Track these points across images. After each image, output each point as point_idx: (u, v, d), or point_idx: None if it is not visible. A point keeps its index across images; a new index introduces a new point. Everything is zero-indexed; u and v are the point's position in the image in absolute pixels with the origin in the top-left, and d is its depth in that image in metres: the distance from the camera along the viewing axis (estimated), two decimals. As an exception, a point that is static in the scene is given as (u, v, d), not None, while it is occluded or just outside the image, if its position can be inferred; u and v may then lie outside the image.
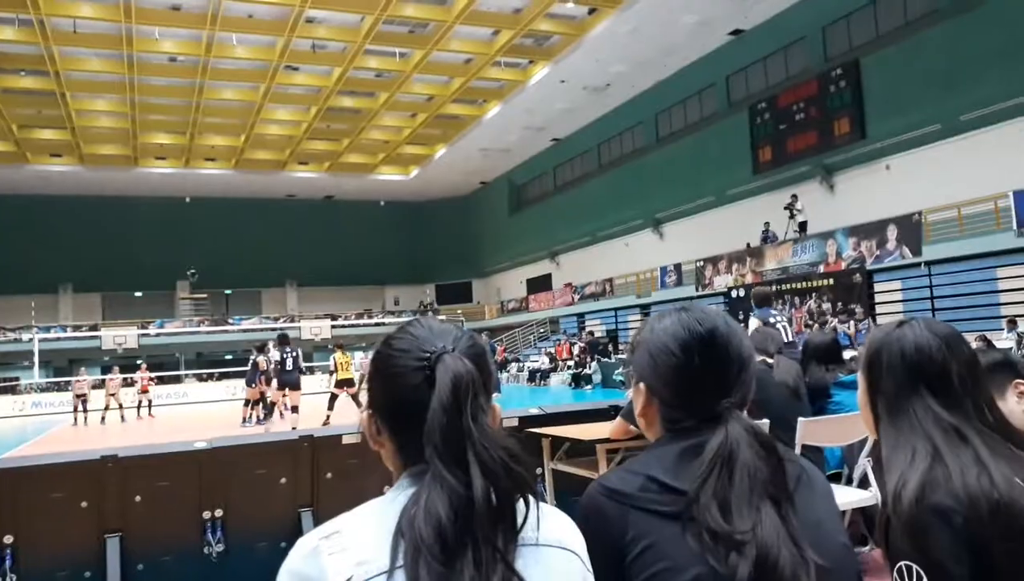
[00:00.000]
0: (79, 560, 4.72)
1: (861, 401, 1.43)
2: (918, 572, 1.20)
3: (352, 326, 36.21)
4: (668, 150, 26.76)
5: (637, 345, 1.33)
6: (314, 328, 34.45)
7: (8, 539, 4.55)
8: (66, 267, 36.01)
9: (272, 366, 15.18)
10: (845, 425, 4.05)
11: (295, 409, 14.16)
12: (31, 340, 29.68)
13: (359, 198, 40.05)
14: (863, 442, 4.08)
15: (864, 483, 4.04)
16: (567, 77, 25.13)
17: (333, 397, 15.08)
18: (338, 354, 15.41)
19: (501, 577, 0.90)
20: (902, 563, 1.23)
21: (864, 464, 4.02)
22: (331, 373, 16.03)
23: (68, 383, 22.58)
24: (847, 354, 5.57)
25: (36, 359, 28.79)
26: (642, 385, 1.29)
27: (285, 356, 14.48)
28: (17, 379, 29.55)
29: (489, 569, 0.90)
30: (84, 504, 4.78)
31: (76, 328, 34.18)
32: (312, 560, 0.93)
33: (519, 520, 0.96)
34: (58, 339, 32.18)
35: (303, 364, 14.75)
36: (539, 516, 0.99)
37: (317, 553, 0.93)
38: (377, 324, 37.13)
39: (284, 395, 14.78)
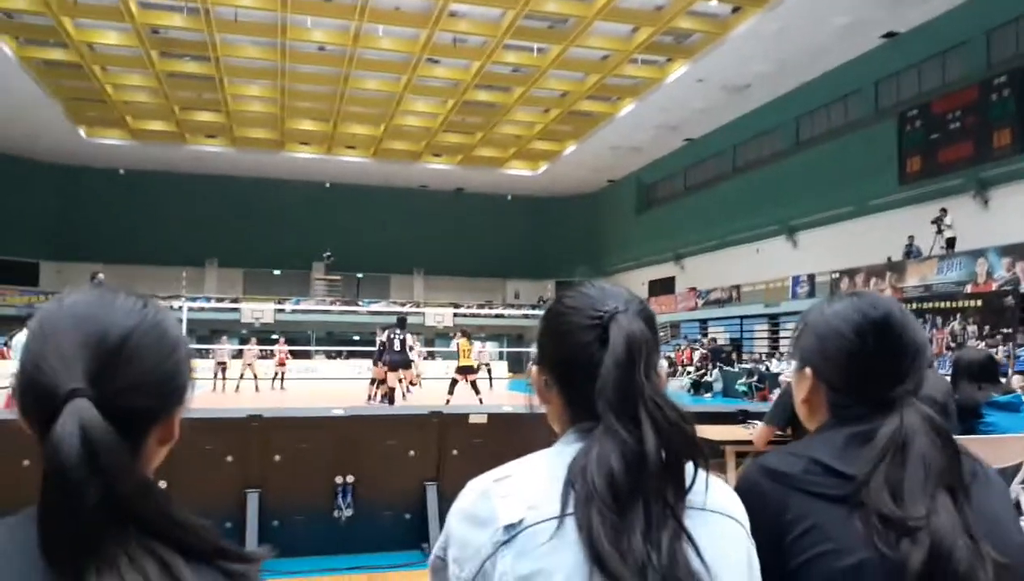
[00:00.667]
0: (222, 511, 5.04)
1: None
2: None
3: (473, 315, 36.83)
4: (808, 155, 25.74)
5: (804, 328, 1.31)
6: (437, 315, 35.31)
7: (162, 484, 4.93)
8: (213, 242, 38.46)
9: (381, 345, 15.56)
10: (998, 447, 3.82)
11: (412, 384, 14.46)
12: (180, 309, 31.74)
13: (487, 191, 40.66)
14: (1017, 467, 3.83)
15: (1017, 509, 3.80)
16: (705, 76, 24.60)
17: (454, 382, 15.43)
18: (461, 340, 15.72)
19: (671, 533, 0.91)
20: None
21: (1018, 490, 3.78)
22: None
23: (210, 351, 24.02)
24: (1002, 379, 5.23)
25: (184, 326, 30.74)
26: (808, 370, 1.27)
27: (393, 337, 14.88)
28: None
29: (660, 524, 0.91)
30: (230, 459, 5.12)
31: (219, 300, 36.37)
32: (484, 501, 0.96)
33: (687, 483, 0.96)
34: (203, 310, 34.31)
35: (421, 348, 15.07)
36: (707, 483, 1.00)
37: (488, 495, 0.97)
38: (497, 315, 37.65)
39: (397, 376, 15.21)
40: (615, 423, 0.94)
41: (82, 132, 31.67)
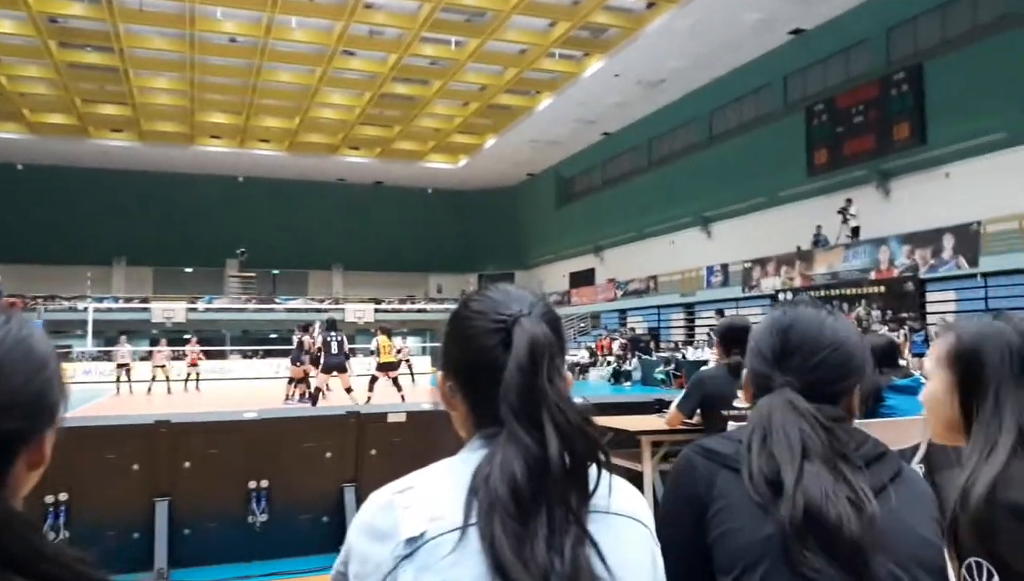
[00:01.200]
0: (129, 521, 4.85)
1: (939, 399, 1.41)
2: (988, 569, 1.20)
3: (395, 311, 36.50)
4: (721, 148, 26.43)
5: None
6: (358, 311, 34.84)
7: (63, 496, 4.70)
8: (121, 240, 36.93)
9: (317, 349, 15.40)
10: (898, 429, 3.96)
11: (348, 390, 14.36)
12: (85, 309, 30.48)
13: (407, 185, 40.32)
14: (915, 448, 3.99)
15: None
16: (621, 71, 24.94)
17: (374, 379, 15.26)
18: (382, 337, 15.55)
19: (575, 539, 0.90)
20: (971, 560, 1.22)
21: (917, 469, 3.94)
22: (372, 353, 16.21)
23: (109, 353, 23.14)
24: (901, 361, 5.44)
25: (89, 329, 29.56)
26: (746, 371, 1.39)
27: (330, 339, 14.69)
28: (70, 347, 30.38)
29: (563, 530, 0.90)
30: (136, 467, 4.91)
31: (128, 300, 35.03)
32: (386, 513, 0.94)
33: (591, 486, 0.96)
34: (110, 310, 33.00)
35: (347, 347, 14.94)
36: (611, 485, 0.99)
37: (391, 507, 0.94)
38: (420, 310, 37.43)
39: (330, 377, 14.99)
40: (518, 428, 0.93)
41: (-26, 125, 29.99)
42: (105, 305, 32.83)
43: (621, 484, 1.03)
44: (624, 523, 0.99)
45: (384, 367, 15.28)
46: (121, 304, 34.14)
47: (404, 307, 37.81)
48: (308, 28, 22.44)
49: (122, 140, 32.36)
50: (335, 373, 14.76)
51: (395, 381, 15.36)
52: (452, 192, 41.35)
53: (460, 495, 0.92)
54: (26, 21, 20.88)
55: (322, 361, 14.73)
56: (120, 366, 21.51)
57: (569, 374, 1.05)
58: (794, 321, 1.31)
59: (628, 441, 5.25)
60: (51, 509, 4.61)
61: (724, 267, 24.88)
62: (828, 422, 1.19)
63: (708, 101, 26.94)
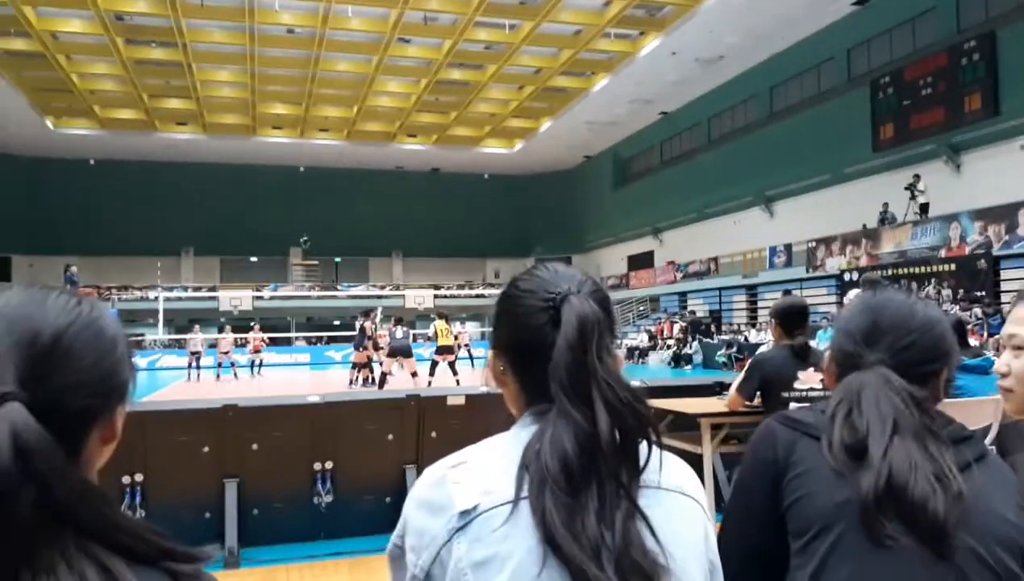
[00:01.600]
0: (201, 501, 5.03)
1: None
2: None
3: (453, 297, 36.79)
4: (782, 126, 25.81)
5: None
6: (417, 297, 35.25)
7: (139, 477, 4.89)
8: (188, 231, 38.03)
9: (382, 335, 15.87)
10: (968, 410, 3.85)
11: (414, 375, 14.74)
12: (156, 299, 31.50)
13: (464, 171, 40.48)
14: (986, 429, 3.88)
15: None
16: (679, 49, 24.53)
17: (434, 364, 15.50)
18: (439, 322, 15.83)
19: (625, 512, 0.91)
20: None
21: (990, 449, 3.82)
22: (430, 338, 16.54)
23: (182, 341, 23.89)
24: (972, 341, 5.28)
25: (160, 317, 30.56)
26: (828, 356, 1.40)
27: (394, 327, 15.32)
28: (142, 335, 31.47)
29: (613, 504, 0.91)
30: (206, 449, 5.08)
31: (196, 289, 36.08)
32: (439, 489, 0.96)
33: (641, 462, 0.97)
34: (180, 299, 34.06)
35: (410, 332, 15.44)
36: (661, 460, 1.00)
37: (444, 482, 0.96)
38: (478, 295, 37.64)
39: (396, 362, 15.40)
40: (568, 405, 0.94)
41: (49, 123, 31.14)
42: (175, 294, 33.89)
43: (672, 460, 1.04)
44: (675, 498, 1.00)
45: (442, 351, 15.54)
46: (190, 293, 35.21)
47: (462, 293, 38.07)
48: (364, 17, 22.63)
49: (187, 133, 33.25)
50: (400, 357, 15.12)
51: (451, 365, 15.60)
52: (508, 177, 41.36)
53: (512, 469, 0.94)
54: (94, 20, 21.55)
55: (388, 346, 15.15)
56: (192, 354, 22.20)
57: (619, 353, 1.06)
58: (886, 302, 1.33)
59: (687, 424, 5.22)
60: (128, 489, 4.81)
61: (787, 247, 24.37)
62: (921, 400, 1.21)
63: (768, 77, 26.32)
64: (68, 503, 0.73)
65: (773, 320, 4.31)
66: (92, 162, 36.06)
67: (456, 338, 17.95)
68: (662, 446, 1.00)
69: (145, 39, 23.86)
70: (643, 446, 0.98)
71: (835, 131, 23.03)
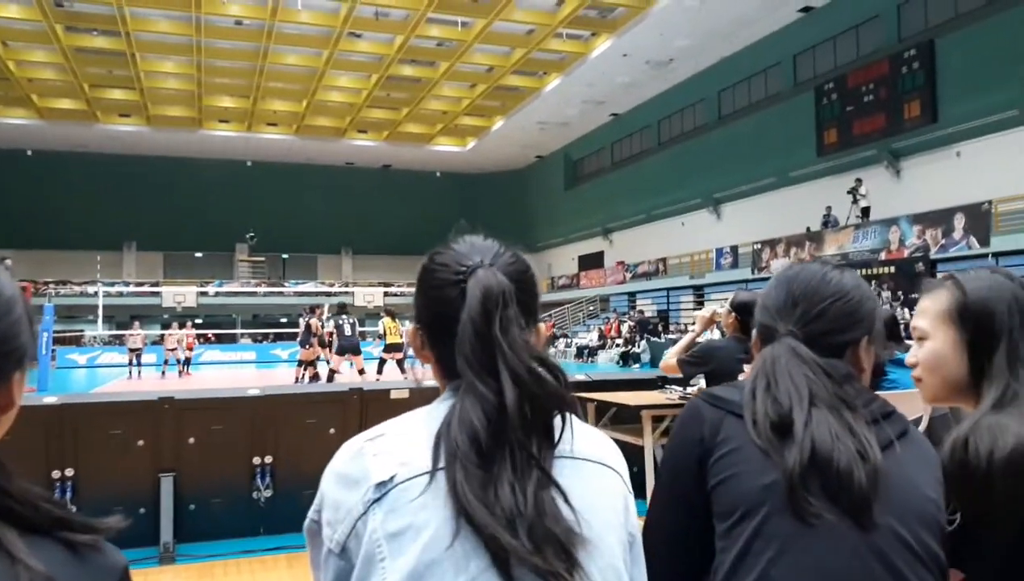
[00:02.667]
0: (135, 496, 4.89)
1: (944, 357, 1.37)
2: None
3: (404, 295, 36.54)
4: (730, 129, 26.25)
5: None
6: (367, 295, 34.90)
7: (69, 472, 4.74)
8: (131, 225, 37.09)
9: (328, 333, 15.69)
10: (900, 402, 3.93)
11: (361, 372, 14.63)
12: (96, 294, 30.65)
13: (416, 168, 40.27)
14: (917, 420, 3.98)
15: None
16: (630, 51, 24.77)
17: (382, 362, 15.40)
18: (387, 320, 15.73)
19: (536, 482, 0.90)
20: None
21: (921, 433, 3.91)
22: (380, 336, 16.42)
23: (121, 337, 23.32)
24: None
25: (100, 313, 29.73)
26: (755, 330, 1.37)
27: (342, 323, 15.14)
28: (82, 331, 30.59)
29: (525, 475, 0.90)
30: (141, 443, 4.95)
31: (139, 285, 35.22)
32: (356, 461, 0.95)
33: (556, 434, 0.96)
34: (121, 295, 33.20)
35: (358, 330, 15.28)
36: (575, 432, 0.99)
37: (361, 454, 0.95)
38: (429, 294, 37.39)
39: (344, 359, 15.28)
40: (474, 378, 0.93)
41: (-16, 111, 30.08)
42: (116, 289, 33.04)
43: (590, 431, 1.03)
44: (591, 468, 0.99)
45: (390, 349, 15.46)
46: (132, 288, 34.35)
47: (413, 290, 37.78)
48: (314, 10, 22.35)
49: (130, 125, 32.40)
50: (349, 355, 15.02)
51: (399, 363, 15.53)
52: (460, 175, 41.27)
53: (429, 442, 0.93)
54: (32, 5, 20.88)
55: (336, 344, 14.99)
56: (132, 351, 21.65)
57: (542, 325, 1.06)
58: (799, 273, 1.32)
59: (630, 417, 5.26)
60: (58, 484, 4.66)
61: (734, 249, 24.77)
62: (833, 372, 1.19)
63: (717, 81, 26.74)
64: None
65: (732, 312, 4.35)
66: (30, 153, 34.89)
67: (403, 336, 17.83)
68: (577, 414, 0.99)
69: (86, 27, 23.19)
70: (558, 419, 0.97)
71: (781, 135, 23.50)
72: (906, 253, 18.52)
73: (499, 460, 0.90)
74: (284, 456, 5.16)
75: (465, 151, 36.86)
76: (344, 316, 15.36)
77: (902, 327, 5.38)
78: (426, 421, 0.97)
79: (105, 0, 20.68)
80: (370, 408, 5.41)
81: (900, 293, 18.10)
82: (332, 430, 5.30)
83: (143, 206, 36.91)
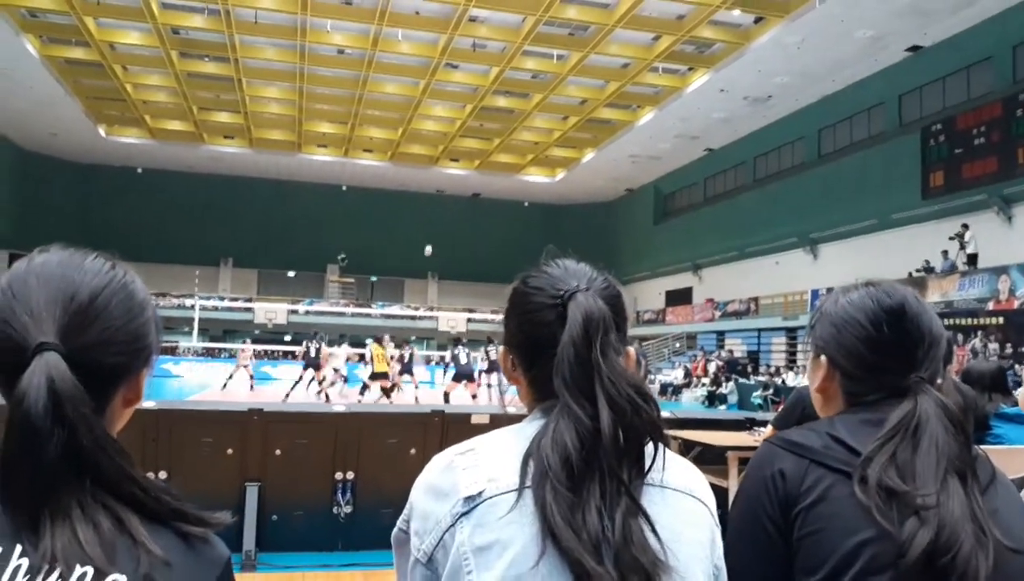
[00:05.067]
0: (221, 503, 4.92)
1: None
2: None
3: (486, 321, 36.75)
4: (829, 168, 25.50)
5: (819, 317, 1.31)
6: (451, 320, 35.26)
7: (163, 474, 4.86)
8: (228, 242, 38.63)
9: (398, 358, 16.23)
10: (1006, 458, 3.64)
11: (474, 397, 15.45)
12: (192, 307, 31.90)
13: (504, 197, 40.64)
14: (1020, 481, 3.68)
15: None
16: (727, 86, 24.45)
17: (364, 387, 15.57)
18: (373, 346, 15.91)
19: (625, 509, 0.91)
20: None
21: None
22: (364, 364, 16.69)
23: (222, 350, 24.06)
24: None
25: (196, 326, 30.91)
26: (823, 358, 1.27)
27: (457, 352, 16.14)
28: (176, 343, 31.83)
29: (613, 501, 0.91)
30: (230, 451, 5.04)
31: (233, 300, 36.50)
32: (446, 474, 0.98)
33: (647, 462, 0.97)
34: (216, 309, 34.46)
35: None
36: (667, 461, 1.00)
37: (452, 468, 0.98)
38: (512, 323, 37.51)
39: (459, 385, 16.00)
40: (571, 400, 0.95)
41: (101, 130, 31.91)
42: (212, 303, 34.30)
43: (680, 461, 1.04)
44: (680, 498, 1.00)
45: (375, 377, 15.67)
46: (227, 303, 35.60)
47: (495, 318, 37.99)
48: (414, 41, 22.91)
49: (233, 147, 33.83)
50: (465, 381, 15.52)
51: (386, 392, 15.66)
52: (548, 205, 41.42)
53: (517, 460, 0.95)
54: (151, 32, 22.11)
55: (454, 371, 15.74)
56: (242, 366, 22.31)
57: (631, 349, 1.06)
58: (903, 300, 1.22)
59: (715, 457, 5.07)
60: (149, 486, 4.77)
61: (830, 291, 23.86)
62: (967, 431, 1.12)
63: (817, 119, 26.09)
64: (91, 452, 0.78)
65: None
66: (140, 170, 36.86)
67: (389, 363, 17.72)
68: (667, 444, 1.00)
69: (199, 53, 24.39)
70: (649, 446, 0.97)
71: (883, 176, 22.68)
72: (1016, 304, 17.50)
73: (588, 484, 0.91)
74: (365, 473, 5.18)
75: (554, 182, 37.00)
76: (460, 346, 16.17)
77: (1010, 380, 5.04)
78: (515, 439, 0.99)
79: (218, 28, 21.72)
80: (450, 430, 5.39)
81: (1009, 345, 17.10)
82: (413, 450, 5.30)
83: (241, 224, 38.41)
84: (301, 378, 18.20)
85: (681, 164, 33.67)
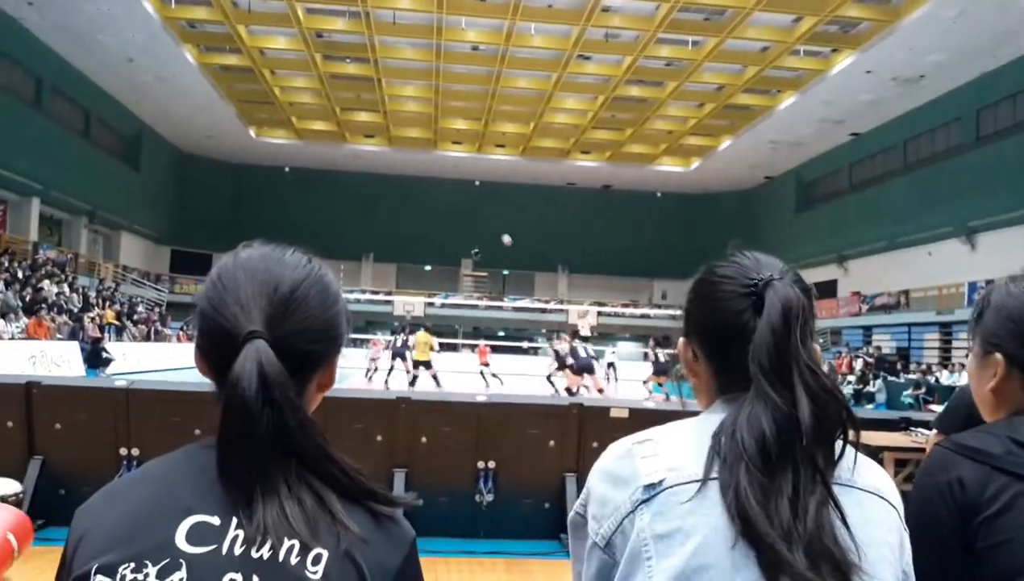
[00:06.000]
0: (373, 488, 5.19)
1: None
2: None
3: (617, 315, 36.51)
4: (989, 150, 23.67)
5: (987, 308, 1.23)
6: (581, 313, 35.24)
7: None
8: (370, 237, 40.20)
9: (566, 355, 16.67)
10: None
11: (600, 391, 15.51)
12: (338, 300, 33.42)
13: (636, 188, 40.19)
14: None
15: None
16: (874, 67, 23.15)
17: (415, 378, 15.87)
18: (420, 334, 16.19)
19: (820, 499, 0.89)
20: None
21: None
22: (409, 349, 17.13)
23: (365, 341, 25.08)
24: None
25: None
26: (999, 355, 1.19)
27: (576, 346, 16.47)
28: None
29: (808, 489, 0.89)
30: (379, 438, 5.26)
31: (374, 293, 37.97)
32: (625, 461, 0.97)
33: (836, 455, 0.94)
34: (358, 302, 35.92)
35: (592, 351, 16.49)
36: (856, 459, 0.97)
37: (631, 455, 0.97)
38: (642, 315, 37.12)
39: (583, 381, 16.08)
40: (767, 387, 0.93)
41: (252, 132, 33.93)
42: (354, 297, 35.78)
43: (868, 461, 1.00)
44: (870, 499, 0.96)
45: (419, 364, 15.94)
46: (368, 296, 37.07)
47: (626, 311, 37.68)
48: (546, 34, 23.01)
49: (373, 145, 35.17)
50: (586, 375, 15.67)
51: (435, 377, 15.94)
52: (682, 195, 40.63)
53: (700, 449, 0.94)
54: (297, 37, 23.28)
55: (574, 364, 15.81)
56: (373, 359, 23.11)
57: (817, 346, 1.02)
58: None
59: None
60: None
61: (990, 283, 22.22)
62: None
63: (975, 98, 24.26)
64: (296, 433, 0.84)
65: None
66: (287, 170, 38.95)
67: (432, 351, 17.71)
68: (858, 442, 0.96)
69: (341, 55, 25.46)
70: (838, 443, 0.95)
71: (1053, 158, 20.85)
72: None
73: (783, 471, 0.89)
74: (506, 463, 5.27)
75: (689, 171, 36.24)
76: (579, 341, 16.54)
77: None
78: (696, 430, 0.98)
79: (358, 30, 22.59)
80: (589, 424, 5.40)
81: None
82: (552, 442, 5.34)
83: (381, 220, 39.87)
84: (393, 367, 18.84)
85: (824, 150, 32.17)
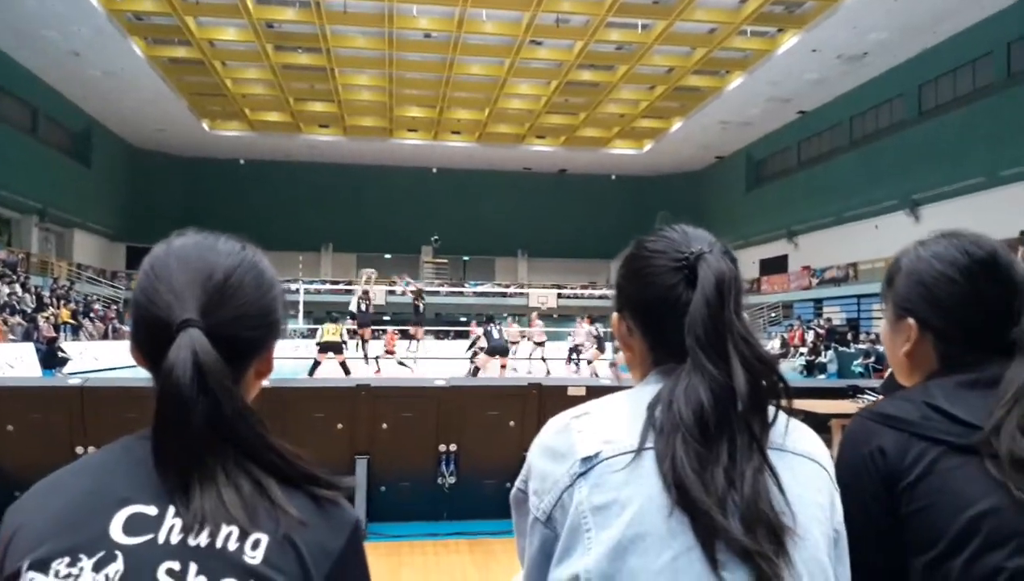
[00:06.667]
0: (332, 475, 5.28)
1: None
2: None
3: (576, 297, 36.81)
4: (931, 125, 24.34)
5: (899, 274, 1.23)
6: (541, 297, 35.42)
7: (278, 449, 5.21)
8: (328, 228, 39.95)
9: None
10: None
11: (503, 367, 16.55)
12: (297, 291, 33.14)
13: (591, 172, 40.45)
14: None
15: None
16: (819, 46, 23.61)
17: (316, 364, 16.18)
18: (327, 324, 16.66)
19: (756, 466, 0.91)
20: None
21: None
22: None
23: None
24: None
25: (301, 309, 32.14)
26: (911, 320, 1.19)
27: (490, 329, 16.81)
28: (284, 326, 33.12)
29: (744, 457, 0.91)
30: (340, 426, 5.34)
31: (334, 283, 37.74)
32: (563, 436, 0.99)
33: (769, 421, 0.96)
34: (319, 292, 35.69)
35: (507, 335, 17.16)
36: (788, 424, 0.98)
37: (568, 429, 0.99)
38: (601, 296, 37.46)
39: (494, 360, 16.77)
40: (704, 360, 0.94)
41: (205, 125, 33.41)
42: (314, 287, 35.54)
43: (799, 426, 1.02)
44: (802, 462, 0.98)
45: (326, 347, 16.16)
46: (328, 286, 36.84)
47: (585, 293, 38.02)
48: (497, 20, 23.02)
49: (328, 135, 34.86)
50: (498, 356, 16.46)
51: (343, 365, 16.08)
52: (636, 178, 41.00)
53: (635, 421, 0.95)
54: (247, 28, 22.97)
55: (487, 346, 16.44)
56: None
57: (746, 317, 1.05)
58: (994, 250, 1.15)
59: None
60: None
61: (934, 253, 22.92)
62: None
63: (917, 74, 24.89)
64: (233, 420, 0.84)
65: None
66: (242, 162, 38.46)
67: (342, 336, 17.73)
68: (791, 409, 0.98)
69: (292, 45, 25.19)
70: (771, 409, 0.97)
71: (991, 131, 21.53)
72: None
73: (719, 440, 0.91)
74: (468, 445, 5.39)
75: (641, 153, 36.58)
76: (492, 323, 16.89)
77: None
78: (630, 403, 0.99)
79: (309, 19, 22.37)
80: (548, 402, 5.53)
81: None
82: (512, 423, 5.48)
83: (339, 210, 39.64)
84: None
85: (773, 128, 32.74)
